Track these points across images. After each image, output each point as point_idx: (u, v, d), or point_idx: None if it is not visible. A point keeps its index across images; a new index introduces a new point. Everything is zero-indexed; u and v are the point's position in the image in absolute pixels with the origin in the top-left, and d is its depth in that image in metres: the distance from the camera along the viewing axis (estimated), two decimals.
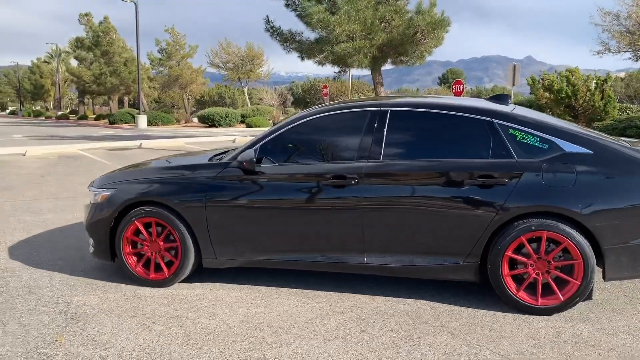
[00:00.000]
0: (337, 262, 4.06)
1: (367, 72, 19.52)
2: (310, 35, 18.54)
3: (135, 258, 4.39)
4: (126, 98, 50.98)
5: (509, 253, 3.70)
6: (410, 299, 4.02)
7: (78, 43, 47.27)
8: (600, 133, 4.21)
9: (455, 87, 20.28)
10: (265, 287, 4.31)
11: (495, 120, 3.89)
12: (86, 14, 45.50)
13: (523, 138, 3.80)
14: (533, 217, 3.66)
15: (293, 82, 58.58)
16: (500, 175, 3.71)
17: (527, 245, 3.68)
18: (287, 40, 18.58)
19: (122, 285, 4.38)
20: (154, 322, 3.65)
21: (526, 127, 3.83)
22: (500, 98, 4.56)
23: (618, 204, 3.57)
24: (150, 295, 4.17)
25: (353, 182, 3.93)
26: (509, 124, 3.86)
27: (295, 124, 4.29)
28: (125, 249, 4.35)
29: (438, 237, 3.86)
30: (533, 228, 3.63)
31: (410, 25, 16.39)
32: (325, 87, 33.29)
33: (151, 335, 3.46)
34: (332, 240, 4.04)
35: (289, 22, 19.23)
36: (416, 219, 3.86)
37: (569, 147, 3.73)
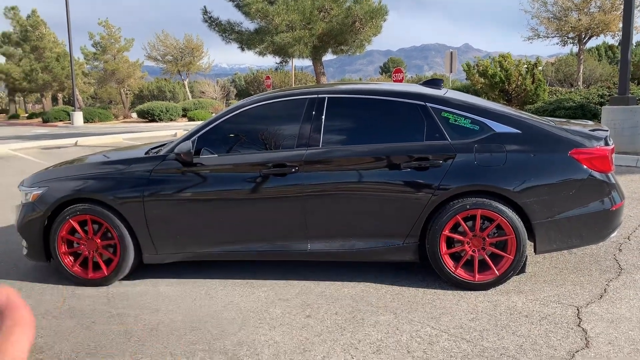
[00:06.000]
0: (281, 251, 4.07)
1: (310, 63, 19.54)
2: (249, 25, 18.36)
3: (72, 258, 4.25)
4: (60, 95, 48.77)
5: (446, 232, 3.82)
6: (354, 282, 4.09)
7: (5, 38, 44.73)
8: (528, 113, 4.40)
9: (395, 76, 20.61)
10: (210, 280, 4.27)
11: (428, 104, 3.99)
12: (12, 8, 43.08)
13: (455, 120, 3.93)
14: (467, 197, 3.79)
15: (236, 74, 57.75)
16: (435, 157, 3.82)
17: (463, 224, 3.81)
18: (226, 31, 18.29)
19: (60, 286, 4.23)
20: (93, 322, 3.55)
21: (458, 110, 3.95)
22: (434, 83, 4.68)
23: (545, 180, 3.75)
24: (90, 295, 4.05)
25: (293, 169, 3.94)
26: (442, 107, 3.97)
27: (233, 113, 4.25)
28: (60, 248, 4.20)
29: (378, 220, 3.93)
30: (468, 207, 3.77)
31: (348, 15, 16.49)
32: (268, 78, 33.06)
33: (91, 334, 3.36)
34: (274, 229, 4.04)
35: (228, 12, 18.95)
36: (356, 204, 3.92)
37: (498, 127, 3.88)
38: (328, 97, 4.14)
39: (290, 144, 4.07)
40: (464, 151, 3.81)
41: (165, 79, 47.03)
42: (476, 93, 15.09)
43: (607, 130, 4.08)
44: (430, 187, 3.81)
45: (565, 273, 4.15)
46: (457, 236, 3.84)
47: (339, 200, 3.94)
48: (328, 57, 19.84)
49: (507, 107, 4.50)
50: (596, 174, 3.76)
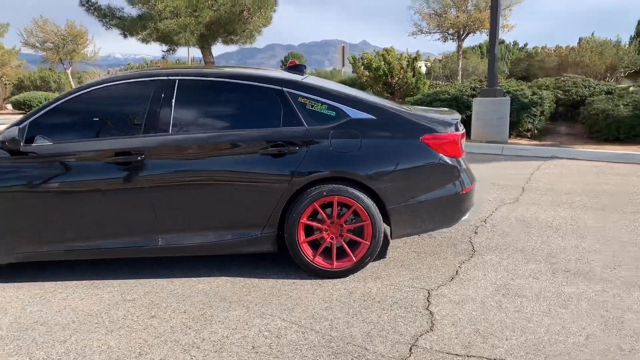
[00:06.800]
0: (128, 248, 3.74)
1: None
2: (131, 11, 17.35)
3: None
4: None
5: (304, 220, 3.71)
6: (211, 277, 3.87)
7: None
8: (385, 100, 4.40)
9: None
10: (49, 283, 3.84)
11: (285, 89, 3.85)
12: None
13: (312, 106, 3.82)
14: (324, 183, 3.70)
15: (129, 64, 54.90)
16: (291, 144, 3.69)
17: (321, 211, 3.72)
18: (106, 16, 17.17)
19: None
20: None
21: (314, 95, 3.84)
22: (297, 68, 4.56)
23: (398, 165, 3.75)
24: None
25: (139, 158, 3.63)
26: (299, 93, 3.84)
27: (75, 95, 3.84)
28: None
29: (234, 211, 3.73)
30: (324, 194, 3.68)
31: (236, 3, 16.10)
32: (160, 67, 31.67)
33: None
34: (120, 223, 3.70)
35: None
36: (210, 194, 3.70)
37: (354, 113, 3.82)
38: (179, 80, 3.86)
39: (137, 130, 3.74)
40: (320, 137, 3.72)
41: (50, 69, 43.53)
42: (362, 86, 15.38)
43: (459, 117, 4.18)
44: (286, 174, 3.67)
45: (423, 257, 4.21)
46: (315, 224, 3.75)
47: (191, 191, 3.68)
48: (228, 49, 19.36)
49: (363, 93, 4.47)
50: (447, 159, 3.83)
